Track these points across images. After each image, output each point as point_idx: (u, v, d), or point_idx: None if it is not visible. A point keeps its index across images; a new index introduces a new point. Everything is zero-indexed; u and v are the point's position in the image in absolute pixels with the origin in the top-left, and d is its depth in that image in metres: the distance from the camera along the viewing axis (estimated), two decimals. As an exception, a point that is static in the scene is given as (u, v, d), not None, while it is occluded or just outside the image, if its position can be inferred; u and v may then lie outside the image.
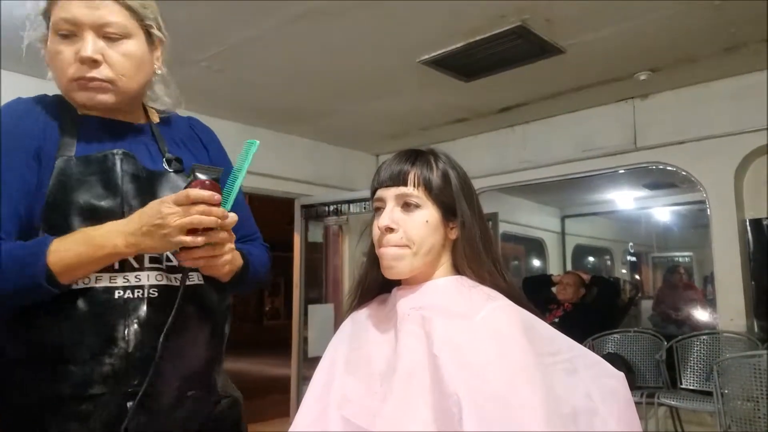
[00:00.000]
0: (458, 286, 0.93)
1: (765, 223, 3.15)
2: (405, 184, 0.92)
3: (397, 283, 0.98)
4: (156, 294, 0.89)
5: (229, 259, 0.91)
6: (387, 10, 2.36)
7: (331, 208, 4.19)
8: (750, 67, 3.00)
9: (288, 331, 4.44)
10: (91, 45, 0.88)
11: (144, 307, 0.87)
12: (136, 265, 0.89)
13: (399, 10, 2.36)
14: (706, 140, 3.22)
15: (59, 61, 0.90)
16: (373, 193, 0.97)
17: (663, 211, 5.58)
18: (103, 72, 0.90)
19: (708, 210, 3.26)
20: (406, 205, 0.92)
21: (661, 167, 3.47)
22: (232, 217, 0.87)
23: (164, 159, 0.98)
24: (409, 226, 0.91)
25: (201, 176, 0.84)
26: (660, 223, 5.73)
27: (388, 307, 0.97)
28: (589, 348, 2.88)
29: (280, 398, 4.64)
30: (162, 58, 1.01)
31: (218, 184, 0.86)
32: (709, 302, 4.43)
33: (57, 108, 0.94)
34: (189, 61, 2.78)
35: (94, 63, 0.89)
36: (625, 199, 5.61)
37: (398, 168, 0.93)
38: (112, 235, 0.82)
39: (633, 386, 3.17)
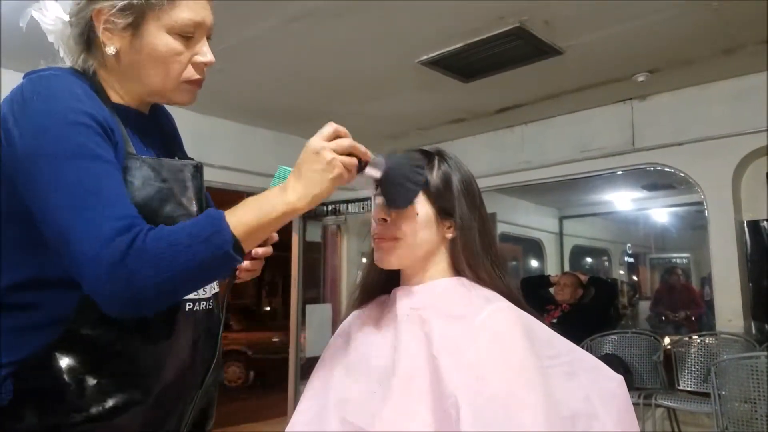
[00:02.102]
0: (457, 287, 0.93)
1: (763, 224, 3.16)
2: None
3: (397, 283, 0.99)
4: (212, 305, 0.94)
5: None
6: (386, 11, 2.37)
7: (330, 207, 4.19)
8: (748, 68, 3.01)
9: (285, 329, 4.44)
10: (209, 51, 0.89)
11: (205, 317, 0.92)
12: None
13: (398, 11, 2.36)
14: (704, 141, 3.23)
15: (174, 60, 0.86)
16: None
17: (661, 213, 5.59)
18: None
19: (706, 211, 3.27)
20: None
21: (659, 168, 3.48)
22: (274, 237, 0.99)
23: (176, 157, 0.98)
24: (401, 218, 0.92)
25: None
26: (658, 224, 5.75)
27: (387, 308, 0.98)
28: (586, 349, 2.89)
29: (278, 398, 4.64)
30: None
31: None
32: (707, 303, 4.44)
33: (93, 93, 0.86)
34: (188, 61, 2.77)
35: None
36: (623, 200, 5.62)
37: None
38: (278, 197, 0.79)
39: (631, 387, 3.16)
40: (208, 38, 0.90)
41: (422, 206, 0.93)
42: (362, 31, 2.56)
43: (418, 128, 4.05)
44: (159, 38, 0.85)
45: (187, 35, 0.86)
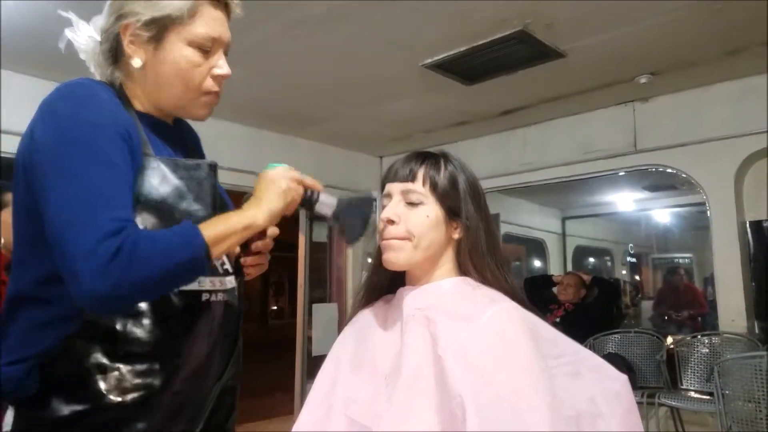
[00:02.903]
0: (463, 287, 0.94)
1: (765, 224, 3.16)
2: (412, 181, 0.96)
3: (402, 283, 1.00)
4: (230, 297, 0.97)
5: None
6: (390, 16, 2.39)
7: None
8: (750, 70, 3.01)
9: (292, 330, 4.47)
10: (226, 64, 0.96)
11: (222, 310, 0.94)
12: (221, 270, 0.95)
13: (402, 15, 2.39)
14: (706, 143, 3.23)
15: (194, 72, 0.93)
16: (383, 187, 1.00)
17: (663, 213, 5.59)
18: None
19: (708, 212, 3.27)
20: (410, 202, 0.95)
21: (661, 169, 3.48)
22: (275, 230, 1.04)
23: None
24: (411, 220, 0.93)
25: None
26: (660, 225, 5.75)
27: (393, 308, 0.99)
28: (589, 348, 2.90)
29: (285, 397, 4.66)
30: None
31: None
32: (710, 303, 4.45)
33: (120, 101, 0.93)
34: (195, 65, 2.80)
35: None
36: (625, 200, 5.62)
37: (408, 166, 0.97)
38: (241, 213, 0.88)
39: (634, 386, 3.18)
40: (225, 53, 0.96)
41: (431, 207, 0.94)
42: (366, 35, 2.58)
43: (422, 131, 4.07)
44: (180, 50, 0.91)
45: (205, 49, 0.93)
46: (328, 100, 3.43)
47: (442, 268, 0.97)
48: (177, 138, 1.03)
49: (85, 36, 0.96)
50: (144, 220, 0.84)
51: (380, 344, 0.94)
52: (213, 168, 0.95)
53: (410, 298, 0.95)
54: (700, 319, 4.81)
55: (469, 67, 2.90)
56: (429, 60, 2.82)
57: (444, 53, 2.75)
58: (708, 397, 2.96)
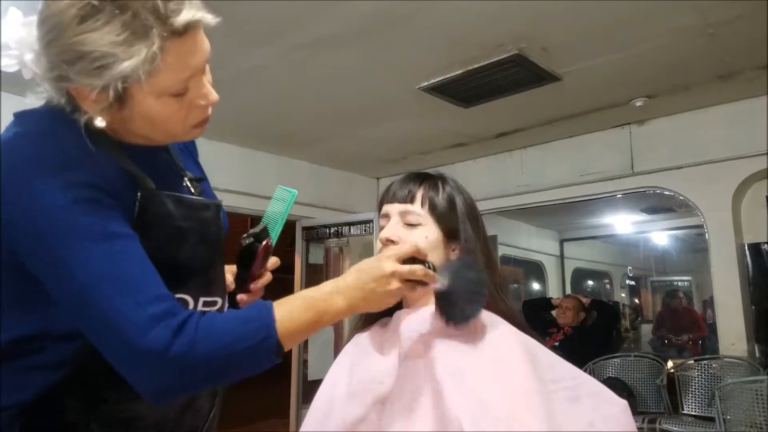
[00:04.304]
0: (460, 310, 0.94)
1: (763, 247, 3.16)
2: (411, 202, 0.95)
3: (399, 306, 0.99)
4: None
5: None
6: (387, 40, 2.42)
7: (332, 230, 4.21)
8: (745, 93, 3.05)
9: (288, 353, 4.41)
10: (209, 86, 0.80)
11: None
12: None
13: (399, 39, 2.41)
14: (703, 165, 3.26)
15: (174, 118, 0.77)
16: (380, 208, 1.00)
17: (661, 236, 5.60)
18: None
19: (706, 234, 3.28)
20: (409, 223, 0.95)
21: (659, 192, 3.50)
22: (276, 261, 0.97)
23: (186, 179, 0.90)
24: (410, 240, 0.93)
25: (263, 238, 0.94)
26: (658, 248, 5.75)
27: (389, 331, 0.98)
28: (589, 372, 2.87)
29: (280, 422, 4.59)
30: None
31: (270, 238, 0.95)
32: (709, 326, 4.42)
33: (96, 138, 0.76)
34: (194, 87, 2.82)
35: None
36: (623, 223, 5.63)
37: (406, 187, 0.97)
38: (333, 298, 0.79)
39: (634, 411, 3.15)
40: (205, 67, 0.80)
41: (430, 228, 0.94)
42: (363, 59, 2.61)
43: (419, 152, 4.09)
44: (149, 106, 0.74)
45: (180, 93, 0.75)
46: (326, 121, 3.45)
47: (440, 291, 0.96)
48: (169, 156, 0.91)
49: (17, 27, 0.75)
50: None
51: (377, 368, 0.93)
52: (220, 208, 0.88)
53: (407, 322, 0.94)
54: (700, 342, 4.78)
55: (466, 90, 2.93)
56: (426, 83, 2.85)
57: (441, 76, 2.78)
58: (709, 422, 2.92)
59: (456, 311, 0.86)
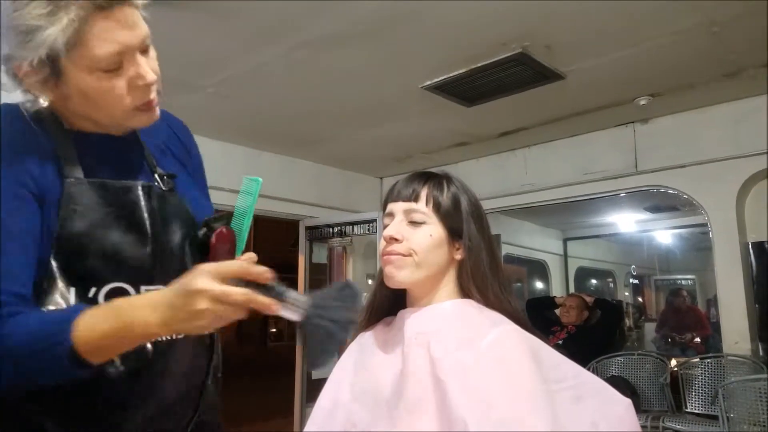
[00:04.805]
0: (464, 309, 0.94)
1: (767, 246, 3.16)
2: (415, 201, 0.96)
3: (404, 305, 1.00)
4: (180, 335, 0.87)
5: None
6: (390, 38, 2.42)
7: (336, 229, 4.21)
8: (749, 92, 3.04)
9: (292, 352, 4.42)
10: (147, 66, 0.80)
11: (167, 349, 0.84)
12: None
13: (403, 38, 2.41)
14: (707, 164, 3.24)
15: (110, 97, 0.78)
16: (385, 207, 1.00)
17: (665, 234, 5.59)
18: (155, 88, 0.83)
19: (710, 233, 3.27)
20: (413, 221, 0.95)
21: (663, 190, 3.49)
22: (251, 256, 0.82)
23: (156, 175, 0.90)
24: (414, 238, 0.93)
25: (217, 227, 0.83)
26: (662, 246, 5.74)
27: (394, 330, 0.98)
28: (592, 371, 2.87)
29: (284, 421, 4.60)
30: None
31: (232, 229, 0.84)
32: (713, 325, 4.41)
33: (45, 125, 0.82)
34: (197, 87, 2.83)
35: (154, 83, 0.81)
36: (626, 221, 5.62)
37: (411, 186, 0.97)
38: (143, 310, 0.70)
39: (638, 410, 3.14)
40: (145, 52, 0.80)
41: (434, 227, 0.94)
42: (366, 58, 2.61)
43: (422, 151, 4.09)
44: (83, 81, 0.76)
45: (112, 68, 0.77)
46: (329, 121, 3.45)
47: (444, 290, 0.96)
48: (127, 149, 0.90)
49: None
50: (65, 259, 0.76)
51: (381, 368, 0.93)
52: (149, 189, 0.83)
53: (411, 321, 0.94)
54: (703, 341, 4.77)
55: (469, 89, 2.93)
56: (429, 82, 2.85)
57: (444, 75, 2.77)
58: (713, 420, 2.91)
59: (310, 352, 0.76)
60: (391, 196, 0.99)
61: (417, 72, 2.77)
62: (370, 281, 4.34)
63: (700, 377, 3.22)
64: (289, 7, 2.15)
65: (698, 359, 3.33)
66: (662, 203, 4.72)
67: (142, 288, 0.81)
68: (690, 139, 3.31)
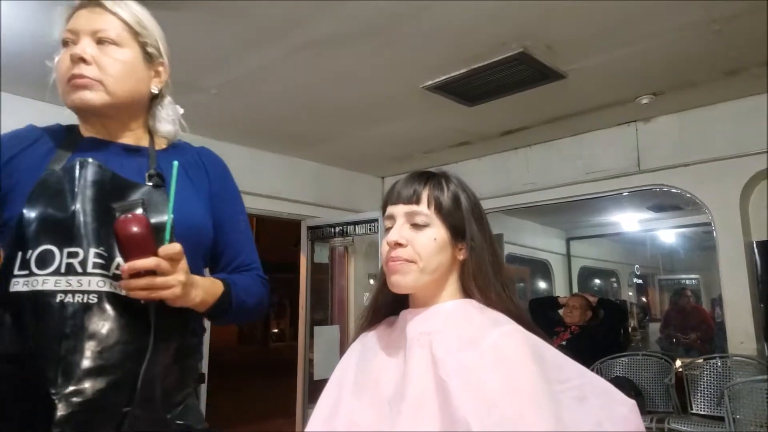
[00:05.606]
0: (467, 309, 0.93)
1: (772, 245, 3.14)
2: (417, 203, 0.94)
3: (406, 305, 0.99)
4: (96, 300, 0.88)
5: (178, 292, 0.86)
6: (391, 38, 2.41)
7: (337, 229, 4.21)
8: (752, 90, 3.03)
9: (294, 352, 4.42)
10: (82, 45, 0.95)
11: (82, 312, 0.86)
12: (80, 269, 0.88)
13: (404, 38, 2.41)
14: (710, 162, 3.23)
15: (60, 68, 0.96)
16: (384, 209, 0.99)
17: (668, 234, 5.57)
18: (91, 71, 0.95)
19: (714, 232, 3.25)
20: (416, 224, 0.94)
21: (666, 189, 3.48)
22: (172, 247, 0.85)
23: (147, 174, 0.98)
24: (418, 242, 0.92)
25: (119, 215, 0.86)
26: (666, 246, 5.72)
27: (396, 330, 0.97)
28: (596, 371, 2.85)
29: (286, 422, 4.60)
30: (163, 82, 1.06)
31: (144, 215, 0.86)
32: (718, 325, 4.39)
33: (64, 131, 1.02)
34: (199, 88, 2.84)
35: (82, 60, 0.94)
36: (629, 221, 5.61)
37: (411, 187, 0.95)
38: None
39: (643, 411, 3.13)
40: (101, 42, 0.96)
41: (438, 230, 0.93)
42: (368, 58, 2.60)
43: (423, 151, 4.09)
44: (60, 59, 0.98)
45: (66, 42, 0.97)
46: (330, 121, 3.45)
47: (447, 290, 0.96)
48: (137, 157, 1.02)
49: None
50: (20, 231, 0.88)
51: (383, 368, 0.93)
52: (86, 164, 0.93)
53: (413, 322, 0.93)
54: (708, 341, 4.74)
55: (470, 89, 2.92)
56: (430, 82, 2.84)
57: (445, 75, 2.77)
58: (719, 422, 2.89)
59: None
60: (391, 198, 0.97)
61: (418, 72, 2.76)
62: (371, 281, 4.34)
63: (705, 378, 3.20)
64: (291, 7, 2.15)
65: (703, 360, 3.31)
66: (665, 202, 4.70)
67: (65, 250, 0.89)
68: (693, 138, 3.29)
